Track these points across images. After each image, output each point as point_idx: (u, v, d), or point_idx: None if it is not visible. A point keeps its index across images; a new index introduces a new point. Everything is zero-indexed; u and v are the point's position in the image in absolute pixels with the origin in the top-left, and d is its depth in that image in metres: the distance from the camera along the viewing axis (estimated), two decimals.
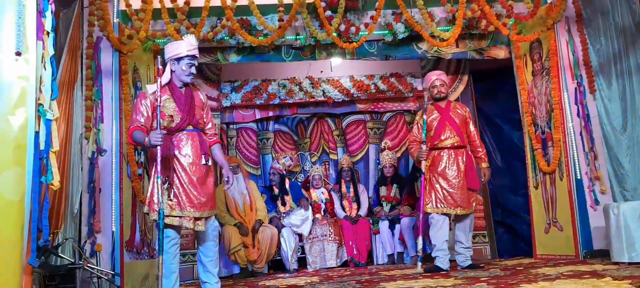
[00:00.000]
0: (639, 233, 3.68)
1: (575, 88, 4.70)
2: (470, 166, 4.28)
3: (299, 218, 5.71)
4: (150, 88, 3.29)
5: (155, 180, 3.11)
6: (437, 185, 4.25)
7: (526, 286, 2.74)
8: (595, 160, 4.58)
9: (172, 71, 3.31)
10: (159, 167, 3.09)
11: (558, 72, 4.70)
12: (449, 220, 4.29)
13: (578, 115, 4.65)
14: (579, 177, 4.54)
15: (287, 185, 6.15)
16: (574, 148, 4.60)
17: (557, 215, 4.69)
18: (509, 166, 5.89)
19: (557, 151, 4.66)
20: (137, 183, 4.66)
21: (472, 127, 4.45)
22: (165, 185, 3.13)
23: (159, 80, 3.25)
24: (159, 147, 3.08)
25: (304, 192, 6.21)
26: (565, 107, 4.66)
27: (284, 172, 6.25)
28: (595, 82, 4.67)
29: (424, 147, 4.29)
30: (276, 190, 6.09)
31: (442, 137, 4.31)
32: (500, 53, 5.41)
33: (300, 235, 5.79)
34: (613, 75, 4.55)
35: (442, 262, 4.21)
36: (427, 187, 4.30)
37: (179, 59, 3.28)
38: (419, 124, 4.47)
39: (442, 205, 4.21)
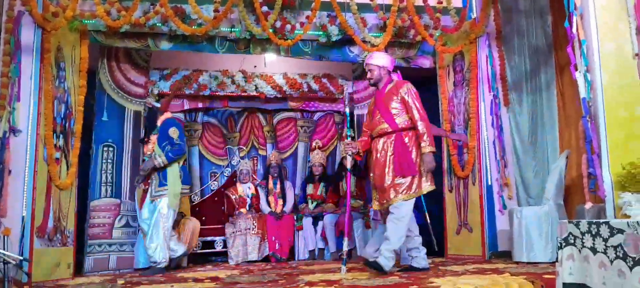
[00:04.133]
0: (537, 235, 4.04)
1: (492, 100, 5.04)
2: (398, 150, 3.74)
3: None
4: None
5: None
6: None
7: (435, 280, 2.94)
8: (505, 168, 4.94)
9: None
10: None
11: (477, 84, 5.02)
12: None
13: (492, 125, 5.00)
14: (489, 183, 4.88)
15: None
16: (487, 156, 4.94)
17: (468, 218, 5.01)
18: None
19: (471, 158, 4.99)
20: (53, 167, 4.46)
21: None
22: None
23: None
24: None
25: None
26: (481, 117, 4.99)
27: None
28: (509, 95, 5.04)
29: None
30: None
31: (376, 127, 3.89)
32: (426, 62, 5.70)
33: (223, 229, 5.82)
34: (524, 91, 4.93)
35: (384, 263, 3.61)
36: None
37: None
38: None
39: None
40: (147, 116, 5.12)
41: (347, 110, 4.30)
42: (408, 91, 3.78)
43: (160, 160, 4.69)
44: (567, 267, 2.21)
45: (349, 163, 4.04)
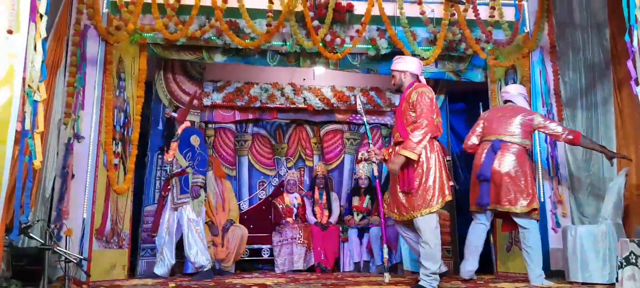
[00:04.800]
0: (593, 255, 3.89)
1: (545, 115, 4.92)
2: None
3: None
4: None
5: None
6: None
7: None
8: (558, 185, 4.79)
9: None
10: None
11: (530, 99, 4.91)
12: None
13: (546, 141, 4.86)
14: (542, 200, 4.74)
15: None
16: (540, 173, 4.80)
17: (519, 235, 4.87)
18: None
19: None
20: (112, 173, 4.69)
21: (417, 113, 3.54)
22: None
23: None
24: None
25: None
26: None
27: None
28: (563, 111, 4.90)
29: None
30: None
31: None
32: (477, 76, 5.62)
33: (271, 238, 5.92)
34: (579, 107, 4.78)
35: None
36: None
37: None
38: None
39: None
40: (166, 126, 5.26)
41: (365, 119, 4.18)
42: (419, 95, 3.48)
43: (200, 179, 4.84)
44: (628, 287, 2.14)
45: (375, 171, 3.99)
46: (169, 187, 4.98)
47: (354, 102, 6.59)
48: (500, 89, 5.34)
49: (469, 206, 4.28)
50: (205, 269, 4.73)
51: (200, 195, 4.84)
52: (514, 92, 4.44)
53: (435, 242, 3.41)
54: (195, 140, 4.97)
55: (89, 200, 4.43)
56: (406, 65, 3.72)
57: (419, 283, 3.46)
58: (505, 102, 4.47)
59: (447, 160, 4.64)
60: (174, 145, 4.99)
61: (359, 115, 6.77)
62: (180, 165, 4.90)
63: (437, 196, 3.42)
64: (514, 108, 4.33)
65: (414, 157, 3.39)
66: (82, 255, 4.18)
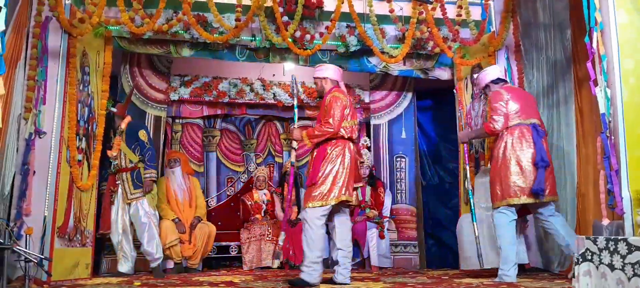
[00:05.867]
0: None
1: None
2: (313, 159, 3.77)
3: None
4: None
5: None
6: None
7: None
8: None
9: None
10: None
11: None
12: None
13: None
14: None
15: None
16: None
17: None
18: (442, 181, 6.20)
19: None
20: (75, 169, 4.56)
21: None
22: None
23: None
24: None
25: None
26: None
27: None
28: None
29: None
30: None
31: None
32: (444, 74, 5.71)
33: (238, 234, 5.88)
34: (541, 105, 4.90)
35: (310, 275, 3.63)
36: None
37: None
38: None
39: None
40: (106, 121, 5.21)
41: (295, 101, 4.17)
42: (333, 99, 3.70)
43: (150, 174, 4.91)
44: (584, 283, 2.21)
45: (293, 157, 4.09)
46: (117, 182, 4.97)
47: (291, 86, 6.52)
48: (472, 79, 5.41)
49: (495, 200, 3.93)
50: (159, 264, 4.87)
51: (153, 190, 4.94)
52: (498, 72, 4.30)
53: (315, 232, 3.53)
54: (142, 134, 5.00)
55: (50, 198, 4.31)
56: (326, 72, 3.92)
57: (300, 276, 3.60)
58: (498, 81, 4.26)
59: (357, 164, 4.80)
60: (117, 140, 4.98)
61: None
62: (131, 159, 4.91)
63: (333, 193, 3.57)
64: (527, 91, 4.33)
65: (307, 143, 3.71)
66: (43, 254, 4.06)
